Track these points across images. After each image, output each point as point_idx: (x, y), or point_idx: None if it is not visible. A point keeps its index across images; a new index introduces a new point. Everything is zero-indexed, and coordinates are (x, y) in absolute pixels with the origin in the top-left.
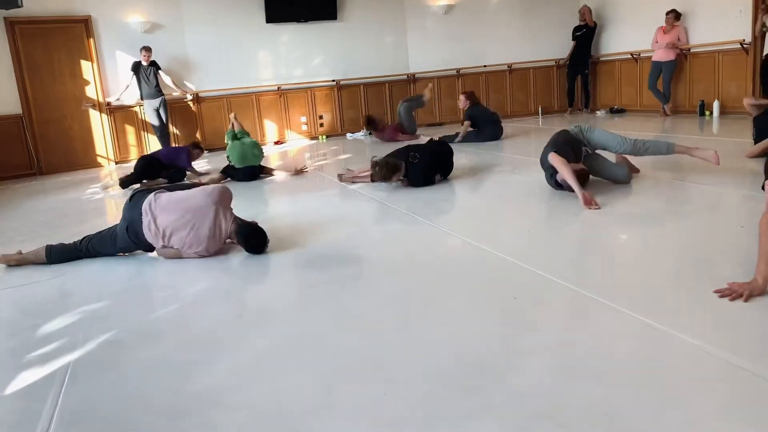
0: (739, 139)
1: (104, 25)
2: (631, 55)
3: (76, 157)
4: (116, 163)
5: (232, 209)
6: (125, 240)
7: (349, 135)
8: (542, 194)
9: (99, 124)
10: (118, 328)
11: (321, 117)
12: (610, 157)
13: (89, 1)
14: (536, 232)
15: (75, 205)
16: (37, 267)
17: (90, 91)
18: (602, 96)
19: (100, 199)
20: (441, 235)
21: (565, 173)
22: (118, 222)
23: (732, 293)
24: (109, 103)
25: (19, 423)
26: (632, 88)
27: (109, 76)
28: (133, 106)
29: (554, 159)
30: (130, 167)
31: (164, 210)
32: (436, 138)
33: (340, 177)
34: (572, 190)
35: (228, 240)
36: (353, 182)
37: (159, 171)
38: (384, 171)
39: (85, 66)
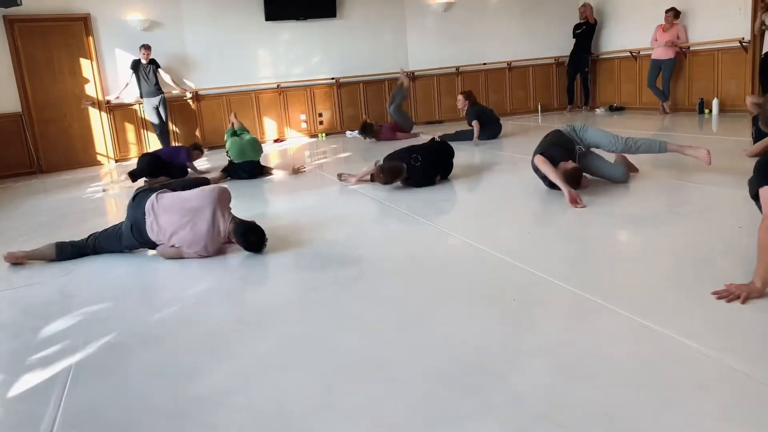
0: (738, 138)
1: (103, 23)
2: (631, 53)
3: (76, 155)
4: (116, 161)
5: (230, 209)
6: (130, 238)
7: (348, 133)
8: (541, 194)
9: (99, 123)
10: (120, 330)
11: (320, 115)
12: (610, 156)
13: None
14: (535, 232)
15: (75, 204)
16: (38, 268)
17: (89, 90)
18: (602, 94)
19: (100, 198)
20: (441, 235)
21: (549, 173)
22: (123, 220)
23: (729, 295)
24: (108, 102)
25: (22, 426)
26: (632, 85)
27: (109, 75)
28: (132, 105)
29: (537, 161)
30: (129, 165)
31: (166, 210)
32: (437, 137)
33: (340, 176)
34: (575, 188)
35: (227, 241)
36: (355, 182)
37: (161, 169)
38: (386, 176)
39: (85, 64)
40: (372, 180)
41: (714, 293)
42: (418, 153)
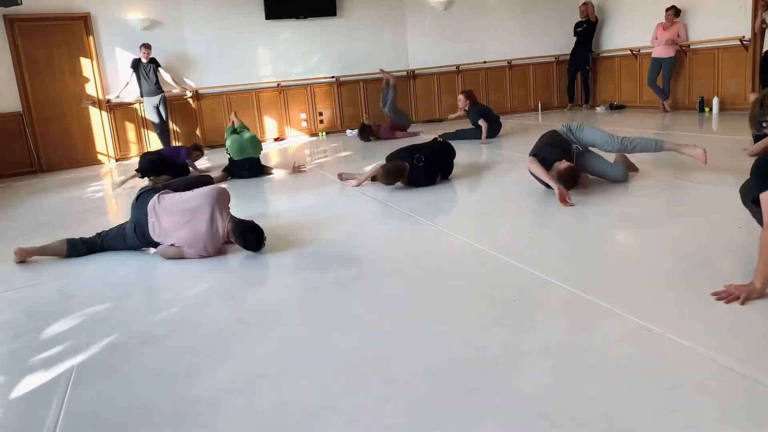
0: (738, 137)
1: (103, 22)
2: (631, 51)
3: (77, 154)
4: (116, 160)
5: (229, 209)
6: (133, 239)
7: (348, 131)
8: (540, 194)
9: (99, 122)
10: (121, 331)
11: (321, 114)
12: (610, 156)
13: None
14: (535, 232)
15: (76, 203)
16: (39, 267)
17: (90, 89)
18: (602, 92)
19: (101, 197)
20: (441, 235)
21: (539, 173)
22: (127, 220)
23: (729, 296)
24: (108, 101)
25: (25, 427)
26: (632, 84)
27: (109, 74)
28: (132, 104)
29: (528, 162)
30: (129, 165)
31: (167, 212)
32: (439, 138)
33: (341, 176)
34: (569, 188)
35: (227, 241)
36: (359, 183)
37: (162, 168)
38: (390, 177)
39: (85, 63)
40: (373, 180)
41: (713, 294)
42: (420, 153)
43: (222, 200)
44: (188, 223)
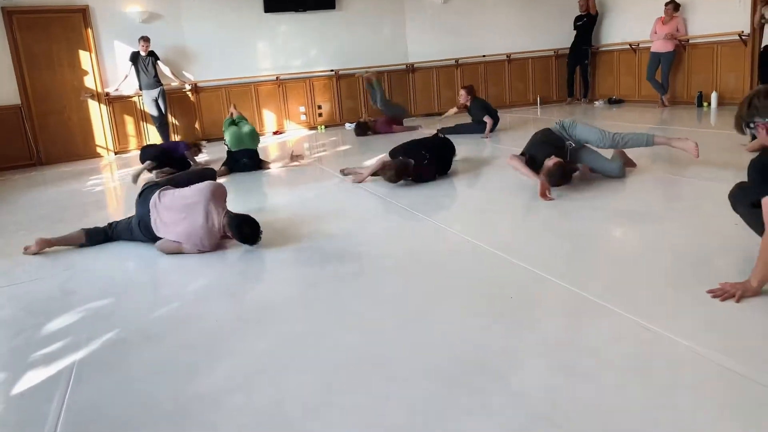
0: (736, 132)
1: (102, 14)
2: (630, 45)
3: (76, 147)
4: (116, 153)
5: (225, 204)
6: (139, 234)
7: (347, 125)
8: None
9: (98, 115)
10: (121, 327)
11: (320, 107)
12: (608, 151)
13: None
14: (533, 228)
15: (76, 197)
16: (39, 262)
17: (88, 82)
18: (601, 86)
19: (100, 191)
20: (440, 231)
21: (520, 168)
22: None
23: (724, 293)
24: (107, 94)
25: (26, 424)
26: (631, 78)
27: (108, 67)
28: (131, 97)
29: (509, 158)
30: (128, 158)
31: (167, 208)
32: (438, 131)
33: (343, 171)
34: (558, 183)
35: (224, 235)
36: (362, 180)
37: (165, 160)
38: (395, 175)
39: (84, 56)
40: (375, 175)
41: (709, 291)
42: (426, 150)
43: (218, 195)
44: (186, 219)
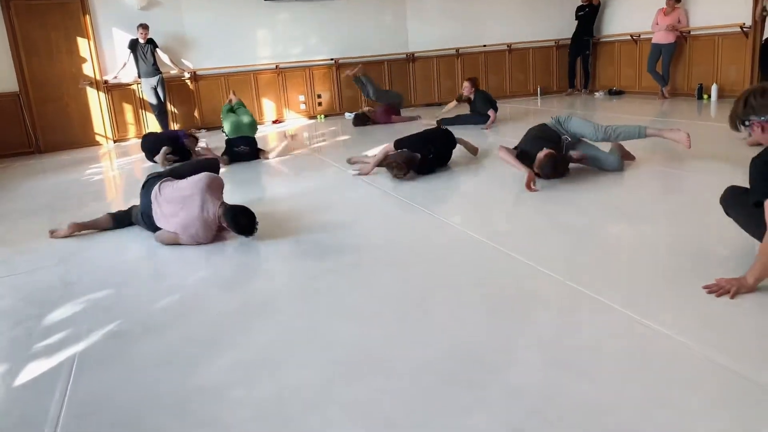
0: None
1: (100, 2)
2: (631, 36)
3: (75, 135)
4: (114, 141)
5: (221, 195)
6: (142, 223)
7: (347, 114)
8: (538, 183)
9: (96, 103)
10: (122, 319)
11: (319, 96)
12: (605, 146)
13: None
14: (531, 222)
15: (76, 186)
16: (39, 252)
17: (87, 69)
18: (601, 77)
19: (99, 180)
20: (439, 224)
21: (508, 159)
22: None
23: (719, 289)
24: (106, 82)
25: (29, 415)
26: (631, 70)
27: (106, 54)
28: (130, 85)
29: (499, 150)
30: (128, 146)
31: (166, 200)
32: (437, 122)
33: (350, 160)
34: (551, 175)
35: (221, 227)
36: (368, 172)
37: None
38: (402, 170)
39: (82, 44)
40: (380, 165)
41: (704, 287)
42: (432, 144)
43: (214, 186)
44: (182, 210)
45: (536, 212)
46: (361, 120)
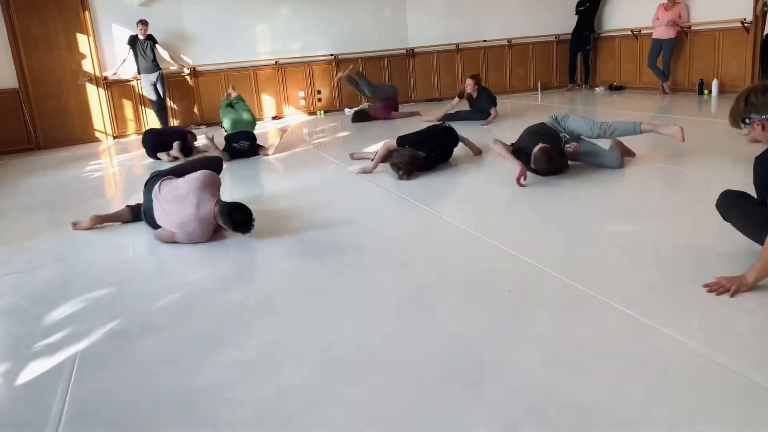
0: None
1: None
2: (632, 31)
3: (74, 131)
4: (114, 137)
5: (217, 193)
6: (146, 220)
7: (347, 110)
8: (538, 180)
9: (96, 99)
10: (123, 317)
11: (319, 92)
12: (605, 143)
13: None
14: (531, 220)
15: (75, 183)
16: (38, 250)
17: (86, 65)
18: (602, 72)
19: (99, 177)
20: (439, 221)
21: (502, 152)
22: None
23: (719, 288)
24: (105, 78)
25: (31, 415)
26: (632, 65)
27: (106, 51)
28: (130, 81)
29: (492, 143)
30: (127, 142)
31: (165, 199)
32: (445, 122)
33: (352, 155)
34: (546, 170)
35: (218, 227)
36: (372, 171)
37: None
38: (409, 171)
39: (82, 40)
40: (384, 161)
41: (705, 286)
42: (434, 143)
43: (209, 184)
44: (179, 209)
45: (537, 210)
46: (360, 116)
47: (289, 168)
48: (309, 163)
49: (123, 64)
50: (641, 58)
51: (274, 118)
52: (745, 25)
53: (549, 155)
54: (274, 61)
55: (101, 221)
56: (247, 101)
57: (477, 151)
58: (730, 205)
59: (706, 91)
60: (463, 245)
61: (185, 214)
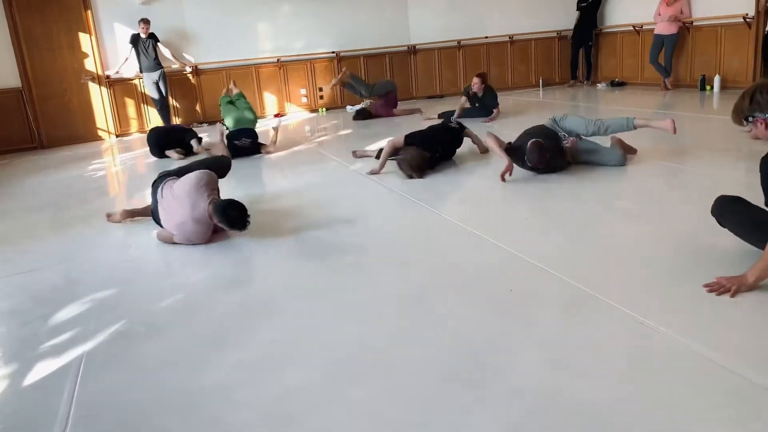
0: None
1: None
2: (634, 27)
3: (77, 130)
4: (117, 136)
5: (214, 192)
6: (155, 221)
7: (349, 108)
8: (539, 179)
9: (99, 98)
10: (127, 318)
11: (321, 90)
12: (605, 141)
13: None
14: (532, 219)
15: (79, 182)
16: (44, 249)
17: (89, 64)
18: (603, 69)
19: (102, 176)
20: (441, 221)
21: (493, 146)
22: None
23: (720, 288)
24: (108, 76)
25: (38, 415)
26: (634, 61)
27: (108, 49)
28: (132, 79)
29: (486, 136)
30: (130, 141)
31: (167, 201)
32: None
33: (355, 153)
34: (539, 164)
35: (216, 227)
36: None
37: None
38: (417, 171)
39: (83, 38)
40: (390, 157)
41: (705, 286)
42: (439, 144)
43: (203, 184)
44: (178, 210)
45: (538, 209)
46: (362, 114)
47: (290, 166)
48: (310, 161)
49: (125, 63)
50: (643, 54)
51: (276, 115)
52: (747, 20)
53: (540, 147)
54: (276, 59)
55: (131, 216)
56: (249, 99)
57: (483, 150)
58: (726, 210)
59: (708, 87)
60: (464, 244)
61: (183, 215)
